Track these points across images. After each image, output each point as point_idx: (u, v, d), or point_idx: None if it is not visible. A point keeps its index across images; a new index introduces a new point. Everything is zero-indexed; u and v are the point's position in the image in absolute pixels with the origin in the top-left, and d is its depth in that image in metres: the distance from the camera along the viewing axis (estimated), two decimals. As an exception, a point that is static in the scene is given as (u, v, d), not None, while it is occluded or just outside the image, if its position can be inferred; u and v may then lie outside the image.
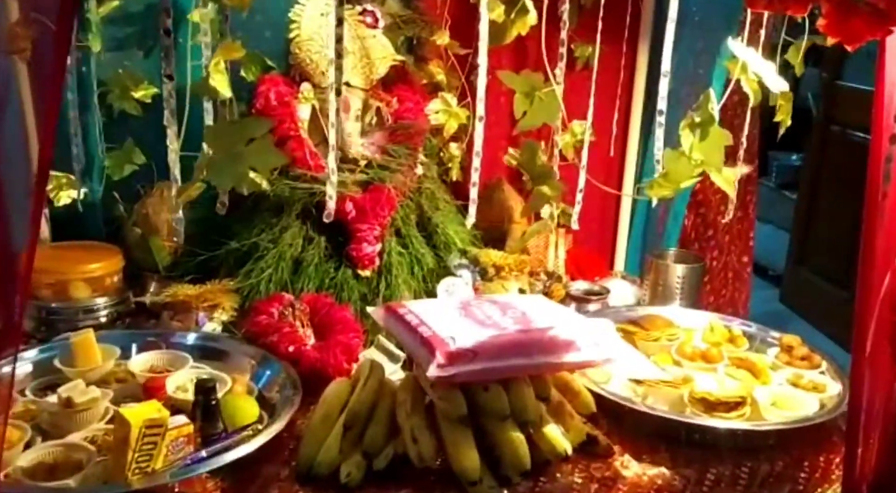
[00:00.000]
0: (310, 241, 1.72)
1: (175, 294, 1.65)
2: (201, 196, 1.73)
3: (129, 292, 1.78)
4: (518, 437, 1.25)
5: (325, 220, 1.37)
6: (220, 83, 1.11)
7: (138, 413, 1.13)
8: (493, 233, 2.06)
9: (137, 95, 1.86)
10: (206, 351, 1.53)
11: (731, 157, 1.89)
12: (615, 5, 1.97)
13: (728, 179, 1.13)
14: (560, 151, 1.72)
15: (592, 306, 1.89)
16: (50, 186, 1.82)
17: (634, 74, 2.18)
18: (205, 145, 1.15)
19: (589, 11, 1.92)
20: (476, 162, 1.50)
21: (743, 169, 1.50)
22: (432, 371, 1.18)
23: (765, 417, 1.46)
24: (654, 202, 1.33)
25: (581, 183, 1.57)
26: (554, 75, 1.06)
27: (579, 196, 1.55)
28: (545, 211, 2.30)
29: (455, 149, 2.06)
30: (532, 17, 1.28)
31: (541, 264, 2.21)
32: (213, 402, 1.25)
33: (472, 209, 1.57)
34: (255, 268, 1.69)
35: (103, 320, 1.70)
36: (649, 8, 2.11)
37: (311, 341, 1.60)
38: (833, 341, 3.41)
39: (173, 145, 1.19)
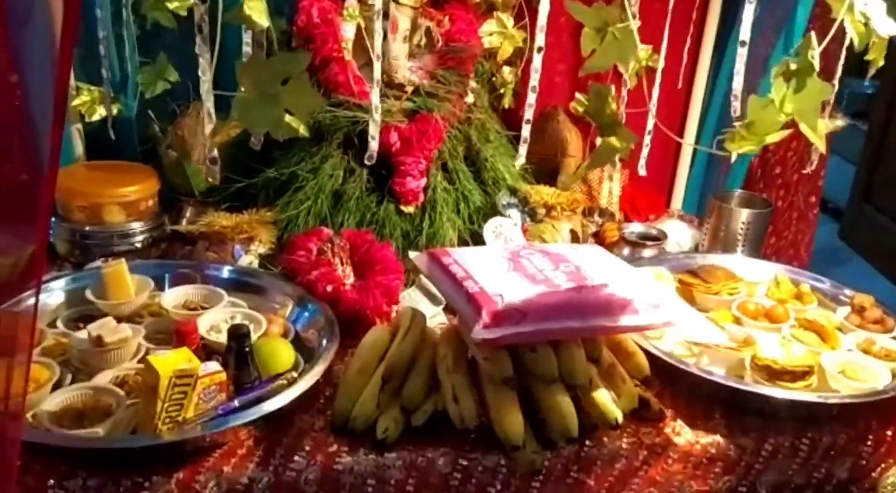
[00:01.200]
0: (351, 172, 1.62)
1: (210, 224, 1.57)
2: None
3: (164, 217, 1.72)
4: (566, 402, 1.18)
5: (367, 162, 1.26)
6: (256, 11, 0.98)
7: (168, 362, 1.08)
8: (546, 166, 1.94)
9: (172, 5, 1.73)
10: (242, 286, 1.47)
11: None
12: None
13: (819, 132, 0.99)
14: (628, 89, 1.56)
15: (648, 252, 1.77)
16: (82, 101, 1.74)
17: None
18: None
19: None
20: (531, 98, 1.36)
21: (837, 122, 1.34)
22: (477, 332, 1.10)
23: (832, 386, 1.36)
24: (735, 157, 1.19)
25: (650, 124, 1.43)
26: (629, 4, 0.91)
27: (647, 139, 1.41)
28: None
29: (509, 74, 1.91)
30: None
31: (594, 201, 2.09)
32: (247, 349, 1.19)
33: (523, 150, 1.44)
34: (294, 199, 1.61)
35: (138, 245, 1.65)
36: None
37: (351, 279, 1.52)
38: (894, 284, 3.26)
39: (206, 76, 1.08)
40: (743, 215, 1.83)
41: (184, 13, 1.74)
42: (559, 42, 1.95)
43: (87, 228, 1.62)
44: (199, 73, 1.07)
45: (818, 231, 4.32)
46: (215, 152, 1.16)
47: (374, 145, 1.20)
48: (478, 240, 1.66)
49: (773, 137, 0.98)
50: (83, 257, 1.61)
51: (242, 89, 0.97)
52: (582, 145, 2.05)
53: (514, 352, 1.18)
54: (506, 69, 1.91)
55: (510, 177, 1.75)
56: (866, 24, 1.01)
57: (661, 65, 1.40)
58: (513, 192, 1.72)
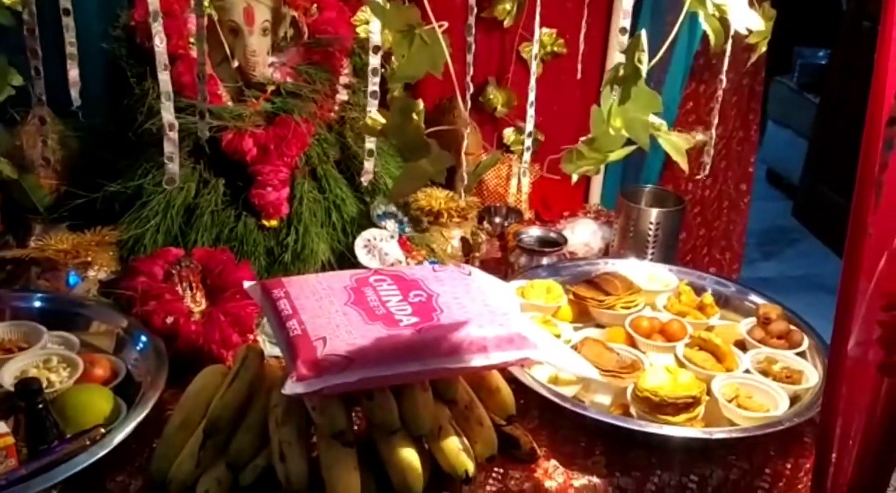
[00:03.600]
0: (205, 184, 1.46)
1: (43, 247, 1.40)
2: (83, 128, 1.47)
3: (9, 237, 1.54)
4: (407, 455, 1.03)
5: (166, 186, 1.09)
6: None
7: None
8: (440, 166, 1.77)
9: (8, 1, 1.55)
10: (68, 319, 1.31)
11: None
12: None
13: (678, 147, 0.84)
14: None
15: (546, 259, 1.62)
16: None
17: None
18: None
19: None
20: (372, 105, 1.19)
21: (697, 136, 1.19)
22: (289, 387, 0.95)
23: (724, 415, 1.23)
24: (575, 179, 1.04)
25: (529, 126, 1.27)
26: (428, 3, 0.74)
27: (528, 142, 1.25)
28: (510, 138, 2.01)
29: (396, 65, 1.74)
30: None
31: (500, 199, 1.94)
32: (40, 406, 1.03)
33: (369, 165, 1.27)
34: (140, 216, 1.44)
35: (-25, 271, 1.47)
36: None
37: (202, 307, 1.36)
38: (844, 264, 3.15)
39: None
40: (652, 215, 1.68)
41: (20, 9, 1.56)
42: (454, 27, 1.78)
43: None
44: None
45: (772, 208, 4.23)
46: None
47: (171, 168, 1.03)
48: (352, 256, 1.50)
49: (615, 156, 0.83)
50: None
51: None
52: (481, 141, 1.89)
53: (350, 400, 1.03)
54: (393, 60, 1.74)
55: (393, 181, 1.59)
56: (722, 20, 0.86)
57: (536, 45, 1.22)
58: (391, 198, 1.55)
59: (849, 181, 1.02)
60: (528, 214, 1.93)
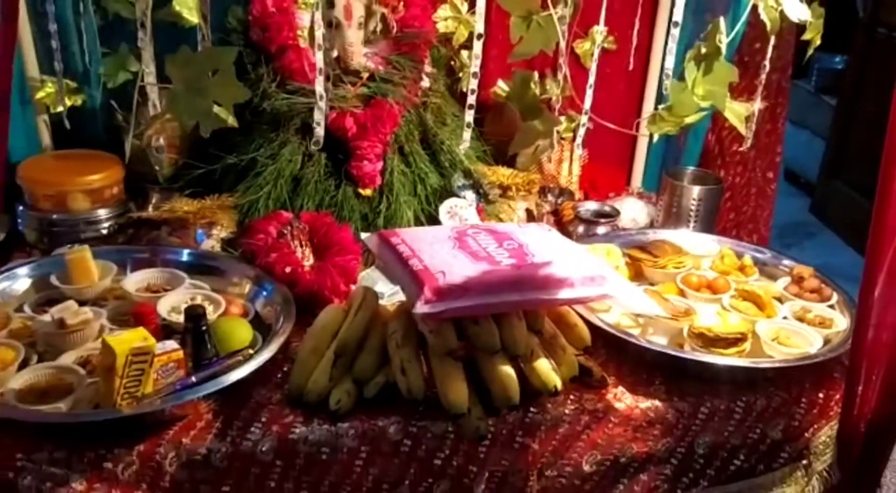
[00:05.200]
0: (309, 157, 1.67)
1: (173, 209, 1.62)
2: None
3: (130, 204, 1.77)
4: (507, 371, 1.24)
5: (314, 147, 1.31)
6: (186, 8, 1.02)
7: (124, 341, 1.14)
8: (504, 149, 1.98)
9: (127, -6, 1.77)
10: (203, 269, 1.53)
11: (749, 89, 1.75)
12: None
13: (738, 114, 1.05)
14: (565, 75, 1.60)
15: (601, 229, 1.84)
16: (46, 92, 1.78)
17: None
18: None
19: None
20: (473, 83, 1.41)
21: (757, 104, 1.40)
22: (419, 307, 1.16)
23: (766, 352, 1.43)
24: (656, 137, 1.25)
25: (587, 103, 1.48)
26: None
27: (584, 119, 1.46)
28: (562, 126, 2.22)
29: (466, 58, 1.96)
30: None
31: (554, 181, 2.15)
32: (204, 327, 1.25)
33: (467, 134, 1.49)
34: (254, 185, 1.66)
35: (104, 231, 1.69)
36: None
37: (310, 261, 1.58)
38: (861, 256, 3.34)
39: (149, 68, 1.13)
40: (694, 192, 1.89)
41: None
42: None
43: (54, 216, 1.66)
44: (143, 66, 1.11)
45: (790, 205, 4.43)
46: (161, 141, 1.21)
47: (318, 131, 1.25)
48: (434, 221, 1.72)
49: (692, 119, 1.04)
50: (51, 245, 1.65)
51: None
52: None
53: (459, 325, 1.24)
54: (463, 53, 1.96)
55: (466, 159, 1.80)
56: (777, 10, 1.07)
57: (599, 39, 1.44)
58: (468, 174, 1.77)
59: (863, 178, 1.21)
60: (578, 195, 2.14)
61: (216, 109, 1.04)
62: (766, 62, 1.42)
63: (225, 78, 1.01)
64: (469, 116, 1.50)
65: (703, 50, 0.98)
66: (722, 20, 0.97)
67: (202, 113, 1.03)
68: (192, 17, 1.04)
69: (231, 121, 1.17)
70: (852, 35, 4.23)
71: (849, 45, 4.32)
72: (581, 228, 1.84)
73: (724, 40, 0.96)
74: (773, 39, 1.32)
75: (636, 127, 1.09)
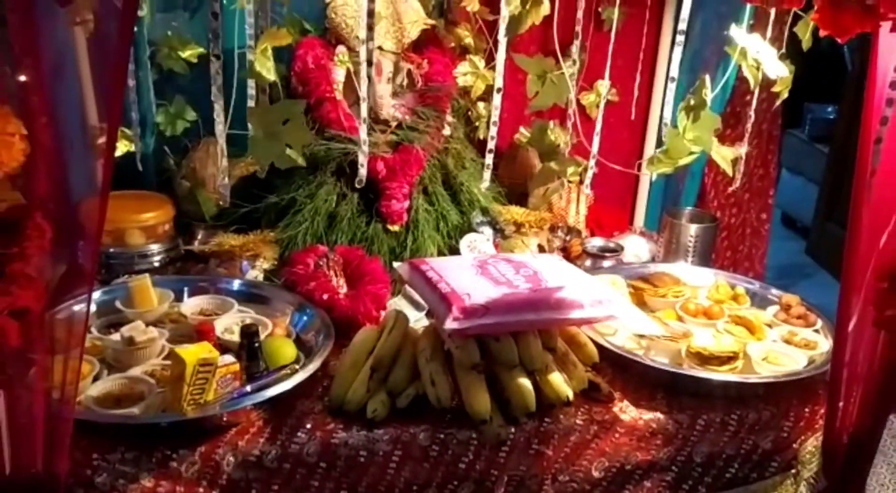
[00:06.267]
0: (343, 197, 1.86)
1: (221, 244, 1.81)
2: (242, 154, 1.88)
3: (179, 239, 1.95)
4: (525, 383, 1.40)
5: (357, 186, 1.49)
6: (265, 68, 1.22)
7: (193, 353, 1.30)
8: (517, 190, 2.18)
9: (185, 54, 1.99)
10: (250, 296, 1.70)
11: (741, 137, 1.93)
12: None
13: (725, 157, 1.23)
14: (574, 123, 1.80)
15: (607, 263, 2.01)
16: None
17: (660, 37, 2.24)
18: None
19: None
20: (493, 131, 1.60)
21: (742, 149, 1.59)
22: (448, 324, 1.33)
23: (756, 370, 1.58)
24: (654, 177, 1.43)
25: (594, 148, 1.67)
26: (565, 56, 1.15)
27: (592, 162, 1.65)
28: (570, 170, 2.42)
29: (483, 109, 2.16)
30: (545, 8, 1.36)
31: (562, 220, 2.33)
32: (256, 344, 1.42)
33: (487, 175, 1.69)
34: (293, 221, 1.84)
35: (156, 264, 1.87)
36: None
37: (344, 290, 1.75)
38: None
39: (220, 118, 1.32)
40: (691, 229, 2.06)
41: (195, 60, 2.00)
42: (525, 79, 2.21)
43: (112, 249, 1.84)
44: (214, 116, 1.30)
45: (786, 248, 4.61)
46: (226, 180, 1.39)
47: (362, 172, 1.44)
48: (456, 254, 1.90)
49: (684, 161, 1.22)
50: (108, 275, 1.83)
51: (251, 130, 1.21)
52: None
53: (481, 342, 1.41)
54: (479, 105, 2.16)
55: (483, 199, 1.99)
56: (758, 68, 1.26)
57: (604, 92, 1.63)
58: (485, 212, 1.96)
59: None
60: (585, 233, 2.32)
61: (288, 150, 1.22)
62: (752, 112, 1.61)
63: (295, 125, 1.19)
64: (489, 158, 1.69)
65: (692, 102, 1.16)
66: (707, 77, 1.16)
67: (277, 155, 1.22)
68: (270, 75, 1.22)
69: (300, 161, 1.35)
70: (842, 87, 4.46)
71: (839, 96, 4.56)
72: (588, 262, 2.01)
73: (709, 94, 1.15)
74: (756, 93, 1.51)
75: (637, 167, 1.26)
